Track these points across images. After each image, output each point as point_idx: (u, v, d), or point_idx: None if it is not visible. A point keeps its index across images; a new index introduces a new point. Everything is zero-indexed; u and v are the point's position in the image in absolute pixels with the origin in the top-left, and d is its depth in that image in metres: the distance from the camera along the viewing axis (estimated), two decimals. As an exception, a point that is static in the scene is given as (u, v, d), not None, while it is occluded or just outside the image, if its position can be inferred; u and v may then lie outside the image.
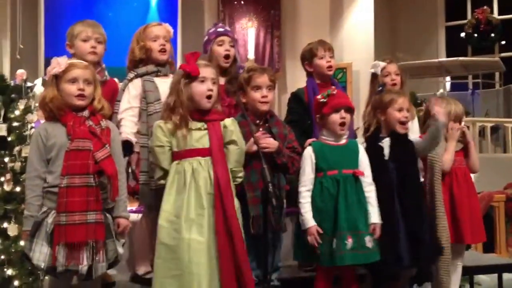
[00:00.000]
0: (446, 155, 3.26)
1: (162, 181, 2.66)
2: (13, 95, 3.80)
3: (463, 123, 3.40)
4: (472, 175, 3.43)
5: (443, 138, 3.21)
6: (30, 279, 3.45)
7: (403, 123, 3.11)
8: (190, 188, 2.56)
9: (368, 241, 2.82)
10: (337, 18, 8.71)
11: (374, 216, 2.89)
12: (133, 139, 3.03)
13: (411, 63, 9.06)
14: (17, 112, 3.71)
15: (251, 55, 8.49)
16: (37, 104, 3.39)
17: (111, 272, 3.07)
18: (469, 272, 3.75)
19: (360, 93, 7.41)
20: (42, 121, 2.76)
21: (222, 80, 3.26)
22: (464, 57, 10.11)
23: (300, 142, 3.05)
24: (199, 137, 2.63)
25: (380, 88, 3.32)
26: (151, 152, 2.71)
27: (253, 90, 2.92)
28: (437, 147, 3.15)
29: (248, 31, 8.65)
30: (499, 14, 10.67)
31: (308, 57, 3.54)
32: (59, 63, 2.59)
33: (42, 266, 2.49)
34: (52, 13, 7.78)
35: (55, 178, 2.51)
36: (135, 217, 3.21)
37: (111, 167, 2.55)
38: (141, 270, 3.16)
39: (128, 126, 3.04)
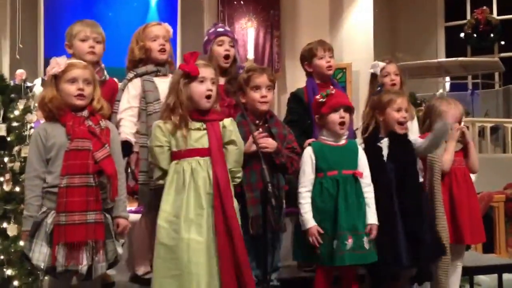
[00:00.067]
0: (445, 155, 3.26)
1: (161, 181, 2.66)
2: (12, 95, 3.80)
3: (462, 123, 3.40)
4: (471, 176, 3.43)
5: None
6: (30, 279, 3.44)
7: (402, 123, 3.10)
8: (189, 188, 2.56)
9: (366, 242, 2.83)
10: (337, 18, 8.70)
11: (371, 216, 2.90)
12: (132, 139, 3.02)
13: (411, 63, 9.06)
14: (16, 112, 3.71)
15: (250, 55, 8.48)
16: (36, 104, 3.38)
17: (111, 272, 3.07)
18: (469, 273, 3.74)
19: (359, 93, 7.41)
20: (42, 121, 2.76)
21: (222, 80, 3.26)
22: (463, 57, 10.13)
23: (300, 142, 3.05)
24: (198, 137, 2.63)
25: (379, 88, 3.32)
26: (150, 152, 2.70)
27: (252, 90, 2.92)
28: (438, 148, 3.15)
29: (248, 31, 8.64)
30: (499, 14, 10.68)
31: (307, 57, 3.53)
32: (58, 63, 2.58)
33: (42, 266, 2.48)
34: (52, 13, 7.76)
35: (55, 178, 2.50)
36: (134, 217, 3.21)
37: (110, 167, 2.55)
38: (141, 270, 3.16)
39: (127, 126, 3.03)
